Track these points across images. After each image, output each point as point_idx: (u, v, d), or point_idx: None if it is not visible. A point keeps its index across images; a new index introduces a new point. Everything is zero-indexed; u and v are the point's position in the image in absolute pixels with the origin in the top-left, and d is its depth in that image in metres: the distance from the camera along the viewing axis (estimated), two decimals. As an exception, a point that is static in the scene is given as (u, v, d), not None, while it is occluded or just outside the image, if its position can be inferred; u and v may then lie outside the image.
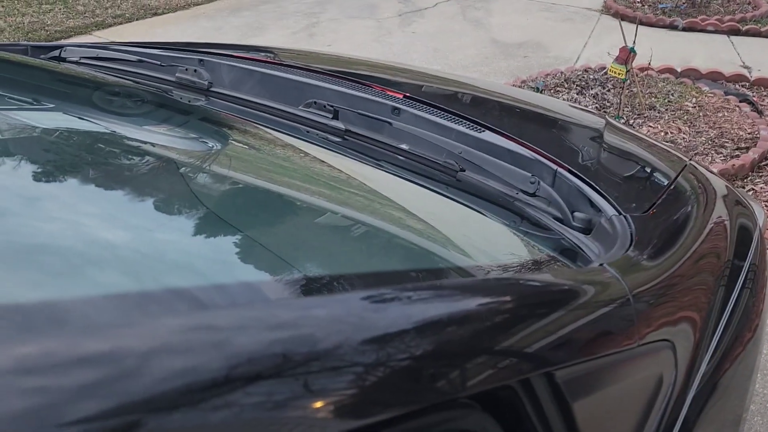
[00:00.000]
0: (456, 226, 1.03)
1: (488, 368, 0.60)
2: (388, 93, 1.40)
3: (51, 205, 0.60)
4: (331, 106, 1.37)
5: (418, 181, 1.19)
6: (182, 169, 0.90)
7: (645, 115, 3.44)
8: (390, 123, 1.33)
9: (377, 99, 1.36)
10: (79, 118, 1.04)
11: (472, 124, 1.29)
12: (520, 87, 3.71)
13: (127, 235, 0.59)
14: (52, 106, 1.06)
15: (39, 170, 0.72)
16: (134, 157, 0.89)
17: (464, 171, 1.24)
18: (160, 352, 0.41)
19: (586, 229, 1.07)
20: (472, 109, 1.44)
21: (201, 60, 1.53)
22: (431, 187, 1.17)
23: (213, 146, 1.10)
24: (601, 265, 0.86)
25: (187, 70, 1.52)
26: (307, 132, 1.35)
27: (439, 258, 0.84)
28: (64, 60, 1.59)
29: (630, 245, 0.95)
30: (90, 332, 0.40)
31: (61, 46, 1.63)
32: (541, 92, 3.62)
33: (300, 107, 1.41)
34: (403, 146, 1.30)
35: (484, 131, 1.27)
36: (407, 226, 0.92)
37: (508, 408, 0.65)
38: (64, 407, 0.35)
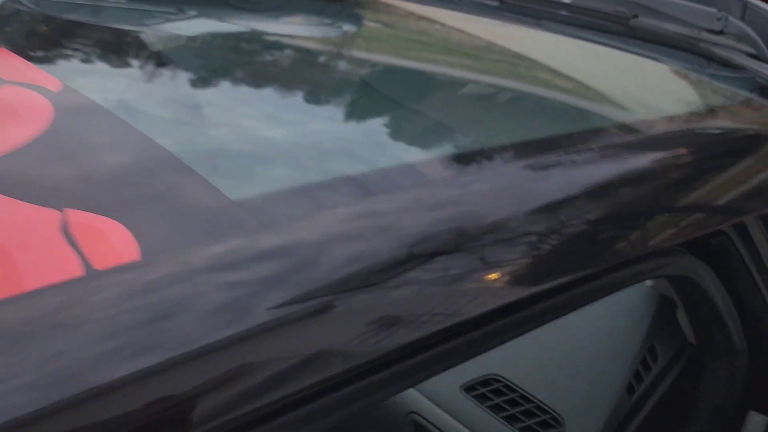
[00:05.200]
0: (630, 79, 0.96)
1: (669, 227, 0.58)
2: None
3: (212, 110, 0.63)
4: None
5: (584, 36, 1.12)
6: (327, 57, 0.90)
7: None
8: None
9: None
10: (223, 21, 1.06)
11: None
12: None
13: (285, 130, 0.60)
14: (194, 13, 1.10)
15: (196, 77, 0.74)
16: (278, 52, 0.90)
17: (637, 17, 1.13)
18: (332, 241, 0.43)
19: None
20: None
21: None
22: (599, 41, 1.09)
23: (356, 29, 1.08)
24: None
25: None
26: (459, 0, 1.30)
27: (607, 118, 0.79)
28: None
29: None
30: (268, 228, 0.42)
31: None
32: None
33: None
34: (566, 0, 1.21)
35: None
36: (568, 87, 0.87)
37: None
38: (253, 299, 0.38)
